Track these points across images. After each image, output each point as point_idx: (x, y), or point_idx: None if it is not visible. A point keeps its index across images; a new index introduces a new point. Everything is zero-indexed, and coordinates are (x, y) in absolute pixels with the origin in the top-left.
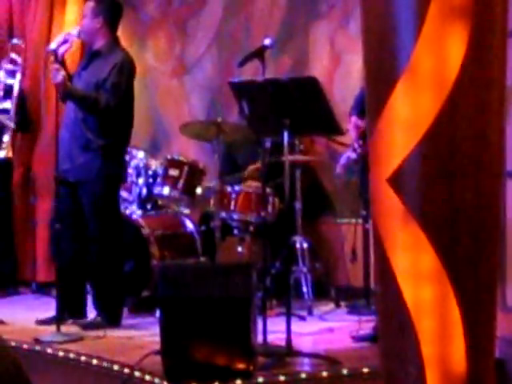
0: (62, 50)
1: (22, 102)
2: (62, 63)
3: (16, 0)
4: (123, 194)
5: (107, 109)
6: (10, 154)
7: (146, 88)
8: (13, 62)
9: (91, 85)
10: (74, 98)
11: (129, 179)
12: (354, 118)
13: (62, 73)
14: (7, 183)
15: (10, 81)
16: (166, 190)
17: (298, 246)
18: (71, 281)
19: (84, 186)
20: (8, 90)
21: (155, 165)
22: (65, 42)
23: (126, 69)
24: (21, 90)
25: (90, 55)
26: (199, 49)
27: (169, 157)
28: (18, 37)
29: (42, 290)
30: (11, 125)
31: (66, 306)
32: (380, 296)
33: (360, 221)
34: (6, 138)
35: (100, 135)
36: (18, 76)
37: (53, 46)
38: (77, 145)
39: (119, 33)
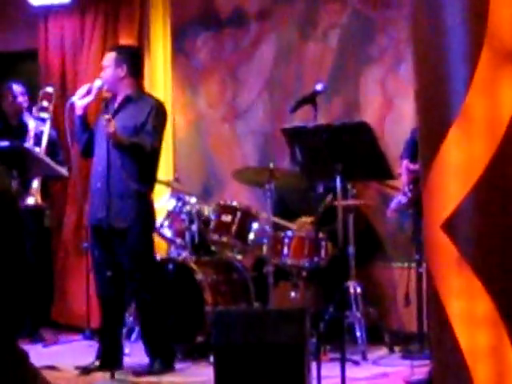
0: (85, 101)
1: (53, 148)
2: (85, 114)
3: (68, 49)
4: (177, 239)
5: (153, 152)
6: (39, 201)
7: (198, 134)
8: (43, 109)
9: (128, 129)
10: (123, 146)
11: (182, 225)
12: (405, 162)
13: (113, 123)
14: (39, 229)
15: (40, 128)
16: (219, 236)
17: (351, 290)
18: (111, 326)
19: (120, 233)
20: (39, 137)
21: (208, 210)
22: (88, 93)
23: (162, 112)
24: (52, 137)
25: (120, 102)
26: (251, 94)
27: (221, 202)
28: (71, 86)
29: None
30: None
31: (104, 354)
32: (435, 341)
33: (413, 265)
34: (36, 184)
35: (138, 180)
36: (48, 123)
37: (75, 97)
38: (112, 192)
39: (171, 79)
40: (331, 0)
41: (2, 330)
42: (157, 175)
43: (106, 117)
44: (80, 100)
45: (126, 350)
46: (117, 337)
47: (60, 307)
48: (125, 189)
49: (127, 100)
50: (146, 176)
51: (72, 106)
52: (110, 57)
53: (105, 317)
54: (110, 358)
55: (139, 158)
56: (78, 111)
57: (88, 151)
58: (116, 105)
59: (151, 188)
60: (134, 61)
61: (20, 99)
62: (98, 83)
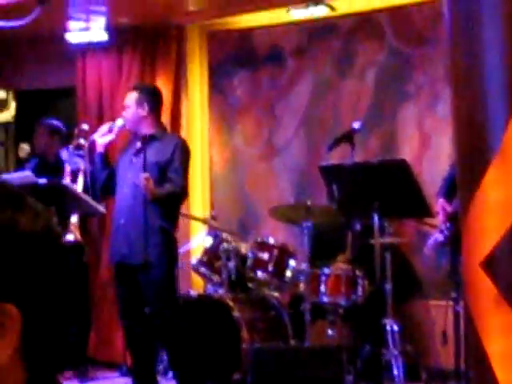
0: (105, 140)
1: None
2: (105, 152)
3: (106, 87)
4: (213, 277)
5: (182, 191)
6: (79, 237)
7: (235, 171)
8: (80, 146)
9: (152, 165)
10: (159, 198)
11: (219, 262)
12: (441, 201)
13: (151, 181)
14: (78, 266)
15: (77, 165)
16: (255, 273)
17: (388, 328)
18: (144, 365)
19: (144, 269)
20: (76, 174)
21: (245, 248)
22: (109, 132)
23: (186, 150)
24: (90, 174)
25: (143, 141)
26: (287, 132)
27: (258, 240)
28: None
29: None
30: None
31: None
32: (474, 380)
33: (450, 303)
34: (75, 220)
35: (163, 217)
36: (84, 160)
37: (96, 135)
38: (137, 229)
39: (208, 117)
40: (368, 37)
41: (47, 368)
42: (179, 211)
43: (144, 175)
44: (101, 138)
45: None
46: (151, 374)
47: (97, 343)
48: (149, 225)
49: (150, 138)
50: (171, 213)
51: (93, 143)
52: (131, 96)
53: (135, 356)
54: None
55: (174, 200)
56: (99, 149)
57: (106, 189)
58: (139, 143)
59: (175, 224)
60: (154, 100)
61: (55, 136)
62: (119, 122)
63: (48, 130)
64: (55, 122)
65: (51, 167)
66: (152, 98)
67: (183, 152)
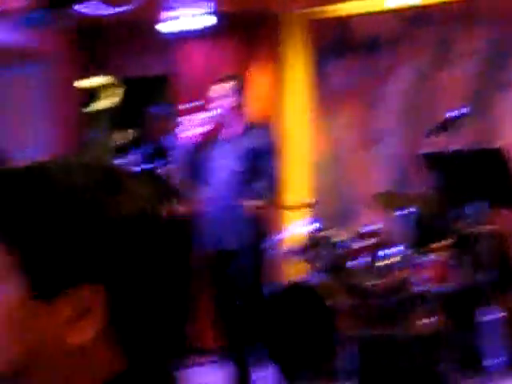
0: (199, 130)
1: None
2: (199, 143)
3: (200, 75)
4: (312, 263)
5: (275, 182)
6: (187, 210)
7: (334, 160)
8: (184, 132)
9: (248, 152)
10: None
11: (318, 249)
12: None
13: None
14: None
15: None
16: (353, 261)
17: (487, 317)
18: (237, 353)
19: (236, 256)
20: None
21: (343, 235)
22: (203, 123)
23: (278, 137)
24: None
25: (238, 130)
26: (386, 120)
27: (357, 227)
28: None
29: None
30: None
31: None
32: None
33: None
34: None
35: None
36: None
37: (189, 125)
38: (229, 216)
39: (308, 104)
40: (467, 26)
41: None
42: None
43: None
44: (194, 129)
45: None
46: (245, 362)
47: (191, 330)
48: (242, 213)
49: (245, 127)
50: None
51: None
52: (225, 87)
53: (229, 342)
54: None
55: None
56: (192, 139)
57: (198, 178)
58: (234, 131)
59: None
60: (246, 89)
61: (164, 122)
62: (212, 113)
63: (157, 116)
64: (163, 108)
65: (161, 153)
66: (244, 88)
67: (275, 140)
